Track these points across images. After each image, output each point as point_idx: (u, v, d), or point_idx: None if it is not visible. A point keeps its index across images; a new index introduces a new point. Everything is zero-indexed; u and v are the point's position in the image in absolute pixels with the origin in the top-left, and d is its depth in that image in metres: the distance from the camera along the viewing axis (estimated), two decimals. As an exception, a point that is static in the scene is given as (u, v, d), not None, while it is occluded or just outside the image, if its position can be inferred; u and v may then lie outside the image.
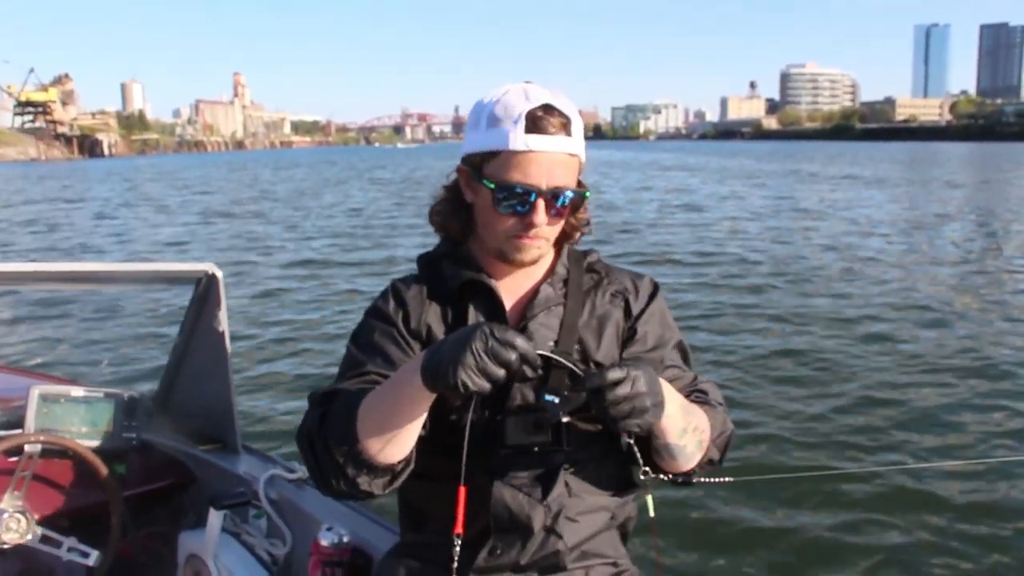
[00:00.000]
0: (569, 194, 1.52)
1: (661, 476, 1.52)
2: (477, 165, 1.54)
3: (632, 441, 1.41)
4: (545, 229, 1.53)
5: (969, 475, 5.13)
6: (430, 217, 1.68)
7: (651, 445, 1.50)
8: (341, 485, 1.45)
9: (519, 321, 1.59)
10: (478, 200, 1.57)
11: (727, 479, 1.61)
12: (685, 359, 1.69)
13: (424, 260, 1.70)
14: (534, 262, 1.59)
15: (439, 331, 1.59)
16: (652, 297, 1.68)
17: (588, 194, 1.57)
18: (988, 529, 4.51)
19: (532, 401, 1.55)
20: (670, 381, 1.56)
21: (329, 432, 1.43)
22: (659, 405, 1.35)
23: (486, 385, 1.25)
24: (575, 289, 1.63)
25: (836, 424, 6.19)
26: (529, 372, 1.29)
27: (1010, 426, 6.17)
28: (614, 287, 1.67)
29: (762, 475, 1.87)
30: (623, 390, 1.29)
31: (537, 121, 1.47)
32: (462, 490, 1.40)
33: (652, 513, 1.34)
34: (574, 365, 1.40)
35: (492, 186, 1.50)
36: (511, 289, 1.62)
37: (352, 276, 13.52)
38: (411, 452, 1.44)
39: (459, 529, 1.41)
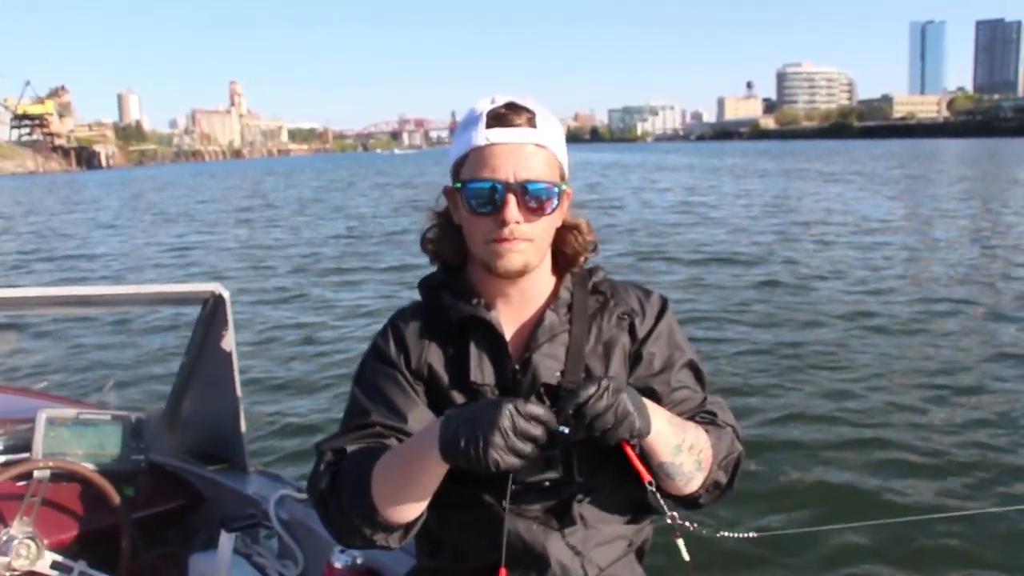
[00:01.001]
0: (541, 185, 1.45)
1: (663, 498, 1.43)
2: (454, 176, 1.51)
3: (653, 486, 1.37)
4: (523, 228, 1.45)
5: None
6: (422, 245, 1.63)
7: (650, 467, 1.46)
8: (357, 542, 1.46)
9: (523, 352, 1.53)
10: (460, 212, 1.52)
11: (751, 534, 1.56)
12: (698, 379, 1.62)
13: (425, 287, 1.64)
14: (521, 272, 1.51)
15: (440, 369, 1.54)
16: (659, 316, 1.61)
17: (565, 187, 1.51)
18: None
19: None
20: (679, 403, 1.54)
21: (342, 495, 1.43)
22: (642, 411, 1.32)
23: (517, 462, 1.25)
24: (580, 314, 1.57)
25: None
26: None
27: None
28: (620, 309, 1.60)
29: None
30: (601, 402, 1.27)
31: (499, 116, 1.45)
32: (503, 572, 1.38)
33: (687, 557, 1.30)
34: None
35: (459, 186, 1.48)
36: (512, 318, 1.56)
37: (364, 286, 13.56)
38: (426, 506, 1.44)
39: None
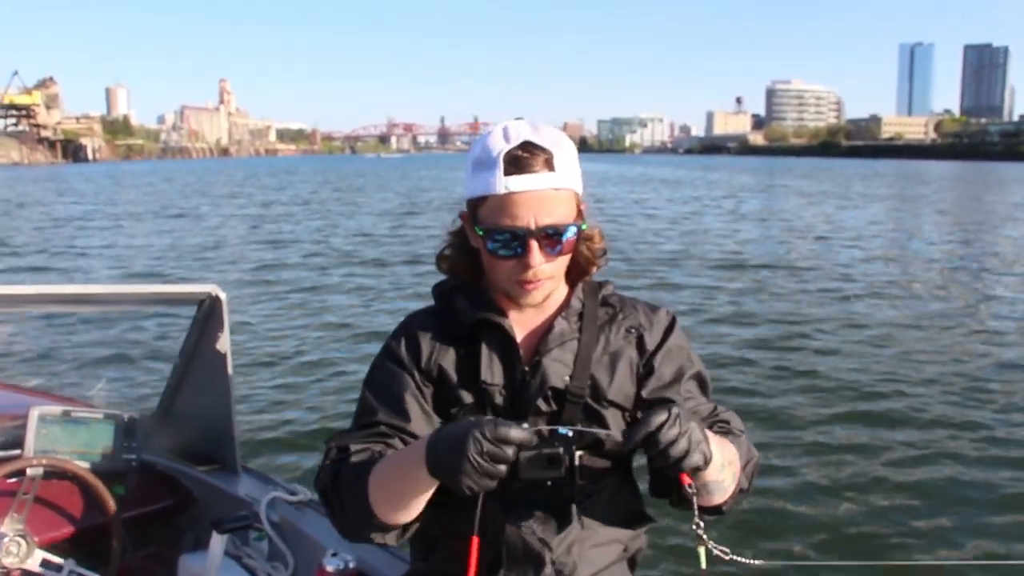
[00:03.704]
0: (563, 229, 1.48)
1: (699, 520, 1.39)
2: (473, 210, 1.53)
3: (693, 489, 1.36)
4: (545, 269, 1.50)
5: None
6: (437, 264, 1.67)
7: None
8: (356, 537, 1.51)
9: (532, 356, 1.57)
10: (479, 245, 1.55)
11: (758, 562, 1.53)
12: (703, 389, 1.66)
13: (438, 291, 1.67)
14: (541, 303, 1.58)
15: (451, 370, 1.58)
16: (668, 331, 1.65)
17: (584, 226, 1.54)
18: None
19: (546, 436, 1.54)
20: (692, 413, 1.55)
21: (342, 495, 1.48)
22: (706, 439, 1.35)
23: (491, 484, 1.29)
24: (590, 323, 1.61)
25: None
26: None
27: None
28: (628, 322, 1.64)
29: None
30: (674, 430, 1.29)
31: (517, 161, 1.44)
32: (475, 540, 1.39)
33: (704, 565, 1.31)
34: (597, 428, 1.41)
35: (481, 233, 1.50)
36: (524, 324, 1.60)
37: (363, 280, 13.48)
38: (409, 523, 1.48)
39: None
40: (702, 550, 1.34)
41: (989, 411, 7.08)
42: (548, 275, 1.52)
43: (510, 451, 1.27)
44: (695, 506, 1.36)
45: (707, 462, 1.34)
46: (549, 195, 1.46)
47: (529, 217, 1.45)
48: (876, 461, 5.95)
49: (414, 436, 1.52)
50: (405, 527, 1.49)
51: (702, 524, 1.36)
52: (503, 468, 1.27)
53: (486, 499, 1.41)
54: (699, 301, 12.24)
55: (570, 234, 1.50)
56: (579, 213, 1.53)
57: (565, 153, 1.49)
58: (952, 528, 4.94)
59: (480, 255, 1.58)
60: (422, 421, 1.55)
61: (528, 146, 1.46)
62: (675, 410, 1.30)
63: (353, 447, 1.52)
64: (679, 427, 1.29)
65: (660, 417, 1.29)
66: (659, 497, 1.65)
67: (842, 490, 5.48)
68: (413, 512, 1.45)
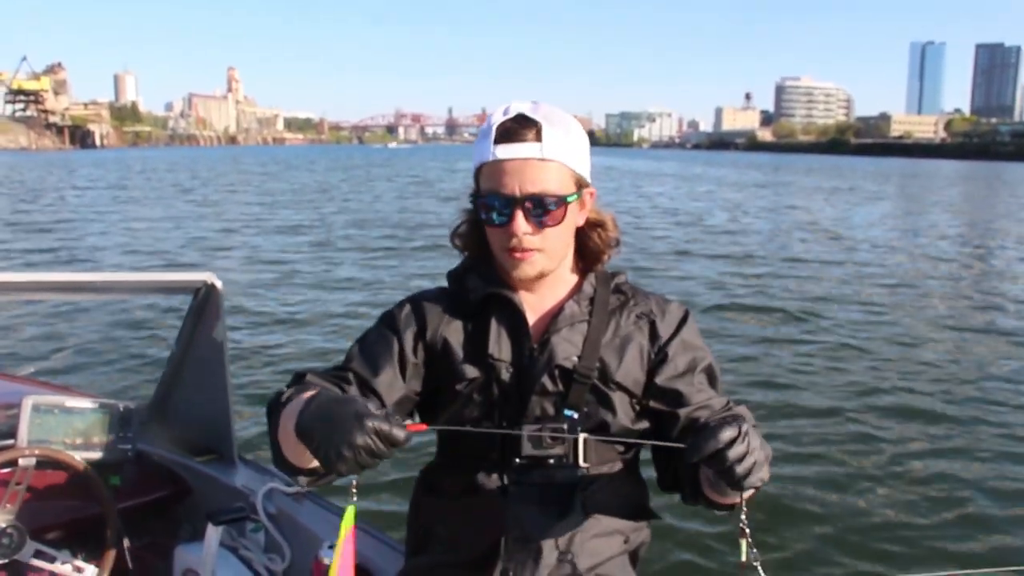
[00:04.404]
0: (547, 199, 1.50)
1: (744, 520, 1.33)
2: (476, 183, 1.57)
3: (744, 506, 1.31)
4: (531, 239, 1.52)
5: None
6: (451, 239, 1.68)
7: (698, 478, 1.47)
8: (275, 463, 1.53)
9: (542, 334, 1.58)
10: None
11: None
12: (713, 383, 1.65)
13: (452, 275, 1.70)
14: (537, 278, 1.57)
15: (456, 344, 1.60)
16: (682, 323, 1.65)
17: (575, 197, 1.54)
18: None
19: (552, 414, 1.55)
20: (703, 404, 1.58)
21: (269, 422, 1.52)
22: (769, 455, 1.31)
23: (358, 472, 1.25)
24: (601, 307, 1.62)
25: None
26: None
27: None
28: (640, 309, 1.65)
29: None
30: (742, 447, 1.24)
31: (506, 131, 1.50)
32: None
33: (744, 558, 1.27)
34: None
35: (474, 199, 1.56)
36: (535, 304, 1.62)
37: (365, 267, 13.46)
38: None
39: None
40: (743, 543, 1.30)
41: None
42: (536, 246, 1.53)
43: (387, 450, 1.23)
44: (743, 512, 1.30)
45: (765, 480, 1.31)
46: (534, 164, 1.49)
47: (515, 184, 1.49)
48: (897, 455, 5.94)
49: (375, 391, 1.55)
50: (315, 475, 1.48)
51: (746, 521, 1.30)
52: (377, 462, 1.24)
53: (486, 464, 1.46)
54: (707, 292, 12.25)
55: (553, 205, 1.50)
56: (577, 190, 1.55)
57: (559, 128, 1.51)
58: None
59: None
60: (389, 380, 1.57)
61: (520, 118, 1.51)
62: (744, 426, 1.26)
63: (309, 377, 1.56)
64: (747, 444, 1.25)
65: (730, 433, 1.25)
66: (669, 491, 1.65)
67: (864, 483, 5.46)
68: (304, 459, 1.43)
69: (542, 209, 1.50)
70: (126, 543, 2.53)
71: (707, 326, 9.90)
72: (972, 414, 6.88)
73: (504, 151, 1.49)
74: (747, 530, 1.28)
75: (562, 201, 1.51)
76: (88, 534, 2.53)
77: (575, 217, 1.58)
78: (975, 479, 5.57)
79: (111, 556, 2.49)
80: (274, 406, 1.50)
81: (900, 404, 7.13)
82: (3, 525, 2.35)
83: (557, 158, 1.51)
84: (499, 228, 1.52)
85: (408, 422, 1.27)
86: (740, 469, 1.24)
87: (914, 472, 5.68)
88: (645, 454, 1.69)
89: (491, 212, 1.52)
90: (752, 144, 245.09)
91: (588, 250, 1.64)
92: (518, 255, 1.53)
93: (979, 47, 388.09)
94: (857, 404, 7.07)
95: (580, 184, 1.55)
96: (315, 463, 1.40)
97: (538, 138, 1.49)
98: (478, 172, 1.55)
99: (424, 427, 1.32)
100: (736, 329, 9.96)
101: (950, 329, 10.31)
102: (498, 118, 1.53)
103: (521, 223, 1.49)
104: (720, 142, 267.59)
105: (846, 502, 5.18)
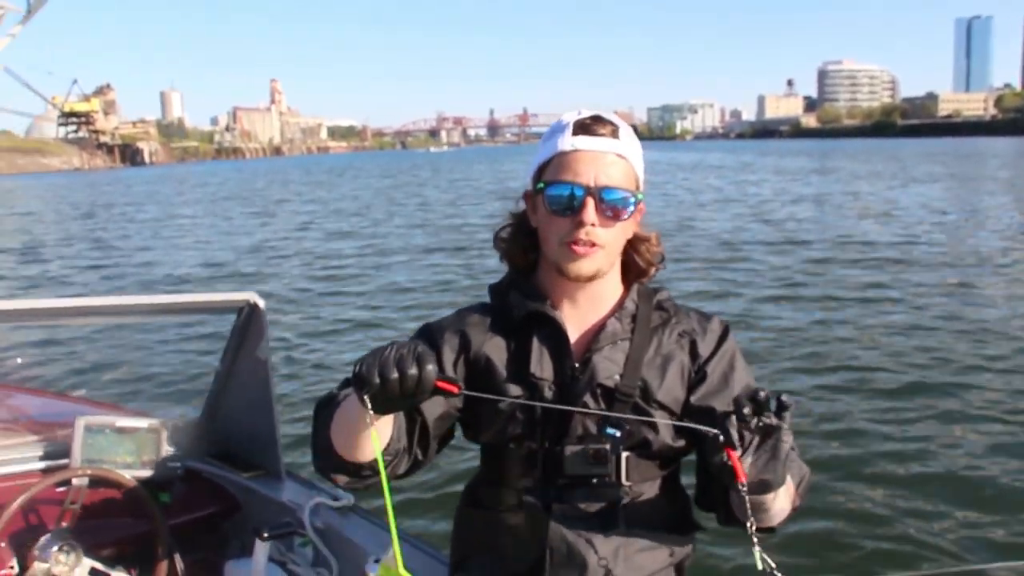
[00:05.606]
0: (620, 193, 1.52)
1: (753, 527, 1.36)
2: (536, 179, 1.58)
3: (744, 487, 1.31)
4: (597, 232, 1.52)
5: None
6: (495, 243, 1.70)
7: (728, 500, 1.48)
8: (317, 464, 1.56)
9: (583, 353, 1.58)
10: (538, 215, 1.59)
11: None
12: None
13: (494, 290, 1.71)
14: (591, 277, 1.57)
15: (499, 361, 1.60)
16: (722, 339, 1.66)
17: (640, 197, 1.58)
18: None
19: (594, 433, 1.55)
20: None
21: (318, 418, 1.54)
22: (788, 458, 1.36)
23: (376, 381, 1.23)
24: (643, 325, 1.62)
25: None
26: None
27: None
28: (681, 327, 1.65)
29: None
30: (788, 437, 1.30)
31: (585, 126, 1.54)
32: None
33: (760, 566, 1.27)
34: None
35: (542, 185, 1.55)
36: (577, 321, 1.62)
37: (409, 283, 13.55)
38: (373, 462, 1.45)
39: None
40: (757, 551, 1.31)
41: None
42: (600, 241, 1.53)
43: (414, 370, 1.23)
44: (747, 503, 1.31)
45: (780, 483, 1.34)
46: (612, 159, 1.54)
47: (590, 175, 1.51)
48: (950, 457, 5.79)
49: (417, 408, 1.54)
50: (360, 476, 1.50)
51: (755, 527, 1.34)
52: (395, 376, 1.23)
53: (529, 483, 1.46)
54: (767, 283, 12.24)
55: (626, 201, 1.54)
56: (637, 190, 1.58)
57: (630, 134, 1.57)
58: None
59: (537, 237, 1.61)
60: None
61: (596, 117, 1.56)
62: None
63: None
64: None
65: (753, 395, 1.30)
66: (706, 511, 1.65)
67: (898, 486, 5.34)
68: (359, 449, 1.45)
69: (613, 202, 1.52)
70: (177, 559, 2.58)
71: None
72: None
73: (584, 142, 1.53)
74: (755, 539, 1.31)
75: (632, 198, 1.55)
76: (140, 551, 2.59)
77: (633, 222, 1.60)
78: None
79: (163, 572, 2.54)
80: (326, 401, 1.53)
81: (913, 395, 7.04)
82: (60, 543, 2.42)
83: (629, 158, 1.56)
84: (565, 218, 1.52)
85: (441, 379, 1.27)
86: (769, 420, 1.27)
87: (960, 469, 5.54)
88: (688, 469, 1.69)
89: (559, 201, 1.53)
90: (796, 131, 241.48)
91: (635, 264, 1.65)
92: (580, 249, 1.52)
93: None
94: (874, 405, 6.93)
95: (638, 190, 1.59)
96: (360, 457, 1.45)
97: (615, 135, 1.55)
98: (545, 165, 1.57)
99: (456, 389, 1.30)
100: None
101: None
102: (572, 116, 1.57)
103: (591, 212, 1.50)
104: (764, 130, 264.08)
105: (849, 500, 5.10)
